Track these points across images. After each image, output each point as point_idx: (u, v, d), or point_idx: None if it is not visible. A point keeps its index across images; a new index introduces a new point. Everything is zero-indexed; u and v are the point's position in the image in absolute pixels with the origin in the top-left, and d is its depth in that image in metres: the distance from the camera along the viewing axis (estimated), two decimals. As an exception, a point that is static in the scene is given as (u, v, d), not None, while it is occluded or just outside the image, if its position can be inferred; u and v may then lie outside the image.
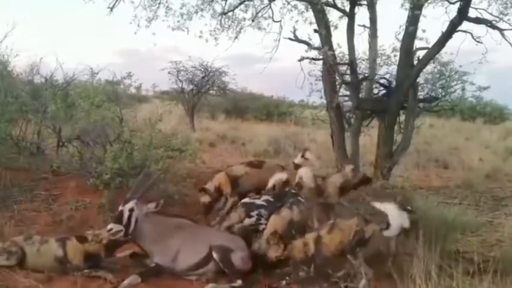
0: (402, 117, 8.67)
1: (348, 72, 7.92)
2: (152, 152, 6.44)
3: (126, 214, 4.33)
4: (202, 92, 18.78)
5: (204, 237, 4.51)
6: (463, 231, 5.38)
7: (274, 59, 8.18)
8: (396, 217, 4.21)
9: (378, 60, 8.57)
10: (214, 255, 4.31)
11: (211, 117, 21.96)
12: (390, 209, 4.27)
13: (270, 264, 4.41)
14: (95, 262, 4.36)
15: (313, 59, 7.61)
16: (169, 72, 18.14)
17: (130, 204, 4.38)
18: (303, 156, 6.52)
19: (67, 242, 4.37)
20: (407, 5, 7.06)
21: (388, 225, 4.21)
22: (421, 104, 9.17)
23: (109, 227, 4.28)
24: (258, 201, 5.11)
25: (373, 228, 4.28)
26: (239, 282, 4.15)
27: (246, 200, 5.28)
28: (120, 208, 4.38)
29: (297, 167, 6.37)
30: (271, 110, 24.23)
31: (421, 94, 9.03)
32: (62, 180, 6.88)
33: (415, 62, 7.76)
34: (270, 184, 5.56)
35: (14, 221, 5.47)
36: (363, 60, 9.01)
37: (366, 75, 8.52)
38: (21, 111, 7.70)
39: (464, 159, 12.24)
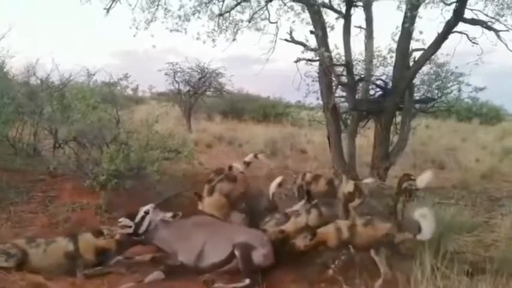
0: (398, 118, 8.68)
1: (344, 73, 7.93)
2: (149, 153, 6.44)
3: (140, 214, 4.49)
4: (198, 93, 18.78)
5: (227, 235, 4.53)
6: (460, 231, 5.38)
7: (271, 60, 8.16)
8: (430, 222, 4.22)
9: (374, 62, 8.57)
10: (236, 252, 4.32)
11: (208, 118, 21.95)
12: (424, 214, 4.28)
13: (297, 253, 4.51)
14: (105, 258, 4.42)
15: (309, 60, 7.61)
16: (166, 74, 18.16)
17: (147, 207, 4.54)
18: (255, 156, 6.67)
19: (78, 236, 4.43)
20: (404, 6, 7.07)
21: (420, 230, 4.24)
22: (417, 105, 9.20)
23: (120, 219, 4.47)
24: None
25: (405, 236, 4.35)
26: (247, 281, 4.14)
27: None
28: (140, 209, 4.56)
29: (248, 164, 6.53)
30: (268, 111, 24.23)
31: (417, 95, 9.05)
32: (59, 182, 6.87)
33: (411, 63, 7.77)
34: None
35: (10, 223, 5.47)
36: (359, 61, 9.02)
37: (362, 76, 8.53)
38: (18, 112, 7.69)
39: (461, 160, 12.27)
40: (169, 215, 4.58)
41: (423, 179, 5.89)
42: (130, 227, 4.44)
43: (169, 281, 4.19)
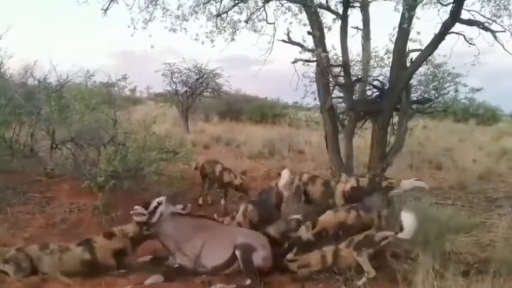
0: (395, 119, 8.69)
1: (342, 74, 7.93)
2: (146, 154, 6.44)
3: (153, 204, 4.56)
4: (196, 94, 18.78)
5: (228, 237, 4.54)
6: (457, 231, 5.39)
7: (268, 61, 8.15)
8: (412, 221, 4.25)
9: (371, 62, 8.56)
10: (237, 252, 4.35)
11: (206, 119, 21.94)
12: (407, 214, 4.32)
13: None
14: (122, 257, 4.49)
15: (306, 61, 7.60)
16: (163, 74, 18.14)
17: (161, 199, 4.62)
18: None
19: (93, 244, 4.43)
20: (401, 7, 7.07)
21: (401, 229, 4.28)
22: (414, 106, 9.19)
23: (136, 207, 4.52)
24: None
25: (385, 234, 4.39)
26: (248, 281, 4.16)
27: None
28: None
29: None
30: (265, 112, 24.25)
31: (414, 96, 9.04)
32: (56, 183, 6.86)
33: (408, 64, 7.78)
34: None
35: (8, 224, 5.46)
36: (357, 62, 9.02)
37: (360, 77, 8.53)
38: (15, 113, 7.67)
39: (458, 161, 12.26)
40: (179, 207, 4.63)
41: (409, 183, 5.74)
42: (144, 215, 4.50)
43: (167, 283, 4.19)
